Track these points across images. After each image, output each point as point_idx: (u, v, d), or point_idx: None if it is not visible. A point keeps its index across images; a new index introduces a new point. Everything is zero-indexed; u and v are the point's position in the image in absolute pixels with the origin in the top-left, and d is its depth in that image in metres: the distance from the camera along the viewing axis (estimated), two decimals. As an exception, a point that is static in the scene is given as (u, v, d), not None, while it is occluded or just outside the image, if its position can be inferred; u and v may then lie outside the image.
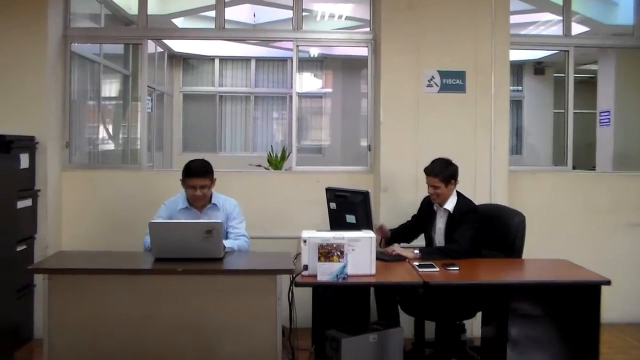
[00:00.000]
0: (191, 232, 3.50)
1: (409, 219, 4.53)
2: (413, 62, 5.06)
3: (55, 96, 5.11)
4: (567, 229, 5.19)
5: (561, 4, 5.62)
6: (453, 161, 4.28)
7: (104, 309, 3.31)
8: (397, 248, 4.08)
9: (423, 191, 5.00)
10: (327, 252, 3.30)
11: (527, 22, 7.47)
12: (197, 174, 4.04)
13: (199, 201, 4.10)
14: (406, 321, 4.15)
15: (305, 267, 3.37)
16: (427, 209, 4.40)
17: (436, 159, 4.27)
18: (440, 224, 4.28)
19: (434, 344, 4.35)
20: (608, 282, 3.44)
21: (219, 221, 3.64)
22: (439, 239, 4.26)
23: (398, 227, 4.49)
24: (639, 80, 7.43)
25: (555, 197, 5.26)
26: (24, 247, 4.69)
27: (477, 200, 4.39)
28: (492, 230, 4.26)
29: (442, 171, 4.18)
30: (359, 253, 3.41)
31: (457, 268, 3.65)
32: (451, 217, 4.20)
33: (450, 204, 4.21)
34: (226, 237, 4.10)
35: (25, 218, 4.71)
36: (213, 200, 4.17)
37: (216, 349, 3.31)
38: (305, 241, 3.37)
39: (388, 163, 5.07)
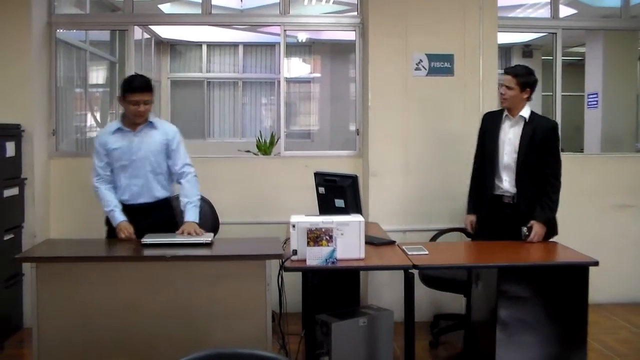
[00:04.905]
0: None
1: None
2: (401, 45, 5.04)
3: (40, 84, 5.05)
4: (555, 211, 5.21)
5: (549, -15, 5.61)
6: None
7: (92, 297, 3.30)
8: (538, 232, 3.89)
9: (412, 175, 5.03)
10: (316, 237, 3.29)
11: (515, 5, 7.45)
12: (141, 88, 3.83)
13: (141, 117, 3.89)
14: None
15: (295, 252, 3.36)
16: (491, 122, 4.16)
17: (519, 64, 4.19)
18: (510, 134, 4.05)
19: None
20: (596, 263, 3.46)
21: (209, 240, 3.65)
22: (509, 150, 4.03)
23: (473, 193, 4.30)
24: (626, 62, 7.47)
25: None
26: (12, 236, 4.66)
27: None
28: None
29: (523, 74, 3.99)
30: (348, 237, 3.40)
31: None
32: (527, 125, 4.00)
33: (526, 112, 4.01)
34: (168, 170, 3.99)
35: (12, 207, 4.68)
36: (149, 118, 3.95)
37: (206, 335, 3.30)
38: (294, 226, 3.35)
39: (377, 147, 5.06)
